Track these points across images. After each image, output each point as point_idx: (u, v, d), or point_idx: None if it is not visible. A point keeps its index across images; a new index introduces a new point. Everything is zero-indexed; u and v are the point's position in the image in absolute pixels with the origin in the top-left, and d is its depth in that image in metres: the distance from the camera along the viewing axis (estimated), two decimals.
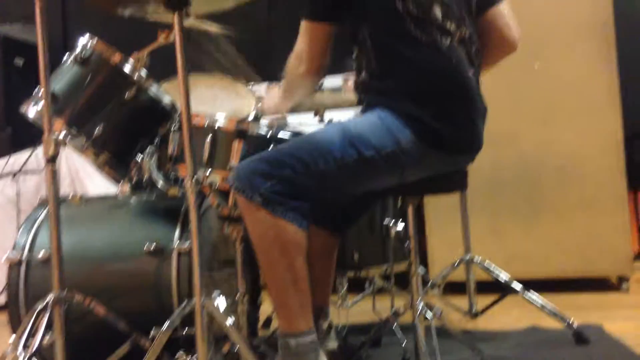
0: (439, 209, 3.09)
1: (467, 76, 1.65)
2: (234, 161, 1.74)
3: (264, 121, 1.92)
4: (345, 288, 2.40)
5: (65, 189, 3.46)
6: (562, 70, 3.02)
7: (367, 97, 1.72)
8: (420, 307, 1.77)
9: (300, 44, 1.71)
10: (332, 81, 3.27)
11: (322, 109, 2.46)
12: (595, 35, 2.99)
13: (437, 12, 1.63)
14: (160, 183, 2.12)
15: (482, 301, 2.54)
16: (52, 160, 1.57)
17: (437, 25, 1.62)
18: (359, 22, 1.66)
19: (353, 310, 2.51)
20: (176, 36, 1.46)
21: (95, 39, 1.83)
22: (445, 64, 1.62)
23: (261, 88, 3.42)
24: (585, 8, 3.00)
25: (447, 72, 1.62)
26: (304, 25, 1.69)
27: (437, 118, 1.58)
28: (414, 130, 1.57)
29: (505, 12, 1.81)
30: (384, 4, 1.61)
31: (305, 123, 3.12)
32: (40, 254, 1.84)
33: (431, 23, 1.61)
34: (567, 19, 3.02)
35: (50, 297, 1.54)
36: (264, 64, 4.04)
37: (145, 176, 2.19)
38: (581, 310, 2.58)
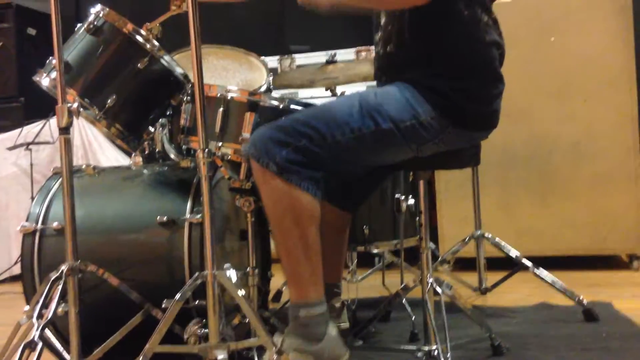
0: (450, 184, 3.08)
1: (495, 55, 1.63)
2: (246, 133, 1.73)
3: (276, 93, 1.90)
4: (354, 263, 2.41)
5: (78, 161, 3.48)
6: (578, 45, 2.98)
7: (389, 72, 1.69)
8: (429, 283, 1.77)
9: None
10: (344, 54, 3.25)
11: (334, 85, 2.44)
12: (613, 11, 2.93)
13: None
14: (172, 154, 2.13)
15: (492, 277, 2.55)
16: (65, 130, 1.56)
17: (480, 3, 1.59)
18: None
19: (362, 285, 2.52)
20: (189, 6, 1.44)
21: (107, 9, 1.81)
22: (482, 41, 1.60)
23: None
24: None
25: (482, 49, 1.61)
26: None
27: (463, 94, 1.57)
28: (436, 105, 1.56)
29: None
30: None
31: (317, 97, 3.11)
32: (54, 225, 1.85)
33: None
34: None
35: (63, 267, 1.55)
36: (276, 36, 4.02)
37: (158, 147, 2.20)
38: (591, 287, 2.58)
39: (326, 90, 2.50)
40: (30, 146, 3.40)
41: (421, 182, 1.77)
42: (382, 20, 1.69)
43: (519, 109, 2.95)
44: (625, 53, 2.92)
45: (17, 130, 3.51)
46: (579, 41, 2.97)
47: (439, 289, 1.78)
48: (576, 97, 2.98)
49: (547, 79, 3.01)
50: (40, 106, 2.92)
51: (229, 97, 1.75)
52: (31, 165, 3.41)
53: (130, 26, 1.80)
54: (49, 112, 3.02)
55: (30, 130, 3.47)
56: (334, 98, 2.48)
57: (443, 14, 1.56)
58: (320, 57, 3.29)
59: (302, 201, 1.52)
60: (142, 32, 1.84)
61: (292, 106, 1.75)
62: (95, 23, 1.79)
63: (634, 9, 2.92)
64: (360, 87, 3.01)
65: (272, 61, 3.38)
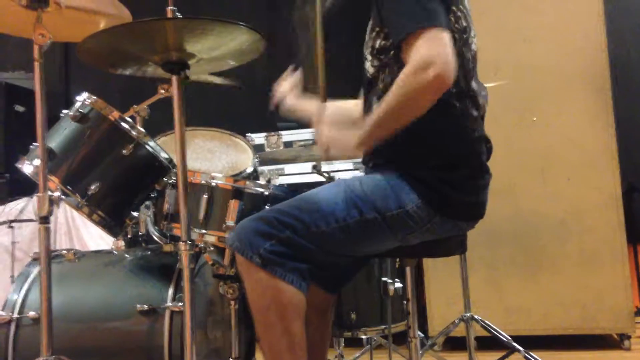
0: (438, 262, 3.06)
1: (483, 149, 1.64)
2: (230, 221, 1.72)
3: (261, 179, 1.90)
4: (341, 346, 2.35)
5: (61, 237, 3.43)
6: (559, 126, 3.03)
7: (377, 158, 1.68)
8: None
9: (422, 54, 1.40)
10: None
11: (319, 163, 2.45)
12: (592, 92, 3.01)
13: (474, 85, 1.62)
14: (156, 237, 2.10)
15: (483, 357, 2.50)
16: (45, 219, 1.55)
17: (472, 97, 1.61)
18: (396, 66, 1.53)
19: None
20: (174, 100, 1.45)
21: (93, 97, 1.82)
22: (471, 136, 1.61)
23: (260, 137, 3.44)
24: (582, 63, 3.04)
25: (471, 144, 1.61)
26: (433, 33, 1.41)
27: (450, 185, 1.56)
28: (422, 194, 1.55)
29: None
30: None
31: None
32: (31, 314, 1.80)
33: (468, 93, 1.60)
34: (564, 74, 3.05)
35: None
36: (264, 113, 4.07)
37: (141, 230, 2.18)
38: None
39: (312, 168, 2.51)
40: (13, 223, 3.35)
41: (408, 269, 1.75)
42: (373, 106, 1.70)
43: (504, 187, 2.97)
44: (605, 133, 2.98)
45: (1, 207, 3.47)
46: (559, 121, 3.03)
47: None
48: (560, 176, 3.02)
49: (530, 158, 3.05)
50: (25, 183, 2.90)
51: (213, 184, 1.74)
52: (13, 243, 3.36)
53: (116, 113, 1.81)
54: (34, 189, 2.99)
55: (13, 207, 3.43)
56: (319, 177, 2.49)
57: (434, 106, 1.50)
58: (306, 134, 3.33)
59: (286, 294, 1.49)
60: (128, 118, 1.85)
61: (277, 192, 1.75)
62: (81, 110, 1.80)
63: (613, 91, 3.00)
64: (346, 165, 3.05)
65: (259, 138, 3.41)
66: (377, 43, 1.62)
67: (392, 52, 1.58)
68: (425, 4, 1.44)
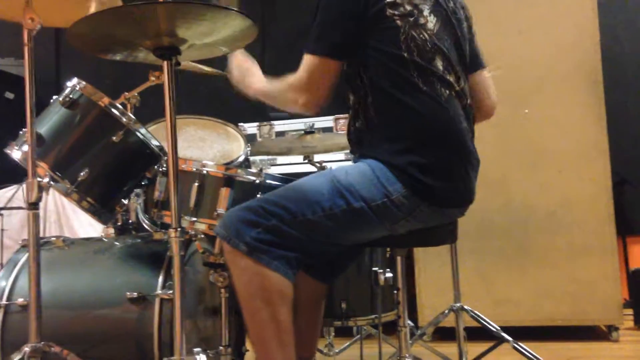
0: (428, 252, 3.07)
1: (462, 128, 1.64)
2: (221, 209, 1.71)
3: (253, 169, 1.90)
4: (332, 336, 2.36)
5: (51, 225, 3.41)
6: (551, 117, 3.04)
7: (360, 148, 1.69)
8: None
9: (304, 77, 1.62)
10: (323, 121, 3.29)
11: (311, 154, 2.45)
12: (584, 82, 3.02)
13: (439, 63, 1.62)
14: (146, 225, 2.09)
15: (472, 349, 2.50)
16: (34, 205, 1.53)
17: (438, 76, 1.61)
18: (362, 66, 1.63)
19: (340, 358, 2.46)
20: (165, 85, 1.44)
21: (83, 82, 1.80)
22: (444, 115, 1.61)
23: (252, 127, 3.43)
24: (575, 56, 3.04)
25: (445, 124, 1.61)
26: (313, 60, 1.61)
27: (432, 172, 1.56)
28: (406, 183, 1.55)
29: (487, 79, 1.85)
30: (389, 49, 1.59)
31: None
32: (20, 300, 1.78)
33: (433, 73, 1.61)
34: (557, 66, 3.06)
35: (26, 349, 1.49)
36: (256, 103, 4.06)
37: (132, 218, 2.17)
38: None
39: (304, 159, 2.51)
40: (2, 211, 3.33)
41: (398, 259, 1.75)
42: (351, 98, 1.71)
43: (495, 178, 2.98)
44: (597, 126, 2.99)
45: None
46: (552, 113, 3.04)
47: None
48: (551, 168, 3.02)
49: (522, 150, 3.05)
50: (14, 170, 2.87)
51: (204, 172, 1.74)
52: (2, 230, 3.33)
53: (106, 99, 1.80)
54: (23, 176, 2.96)
55: (2, 195, 3.41)
56: (311, 167, 2.49)
57: (402, 93, 1.58)
58: (299, 124, 3.32)
59: (272, 281, 1.50)
60: (118, 105, 1.83)
61: (269, 181, 1.74)
62: (71, 96, 1.78)
63: (605, 84, 3.01)
64: (338, 156, 3.04)
65: (252, 128, 3.40)
66: None
67: None
68: (326, 33, 1.62)
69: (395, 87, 1.59)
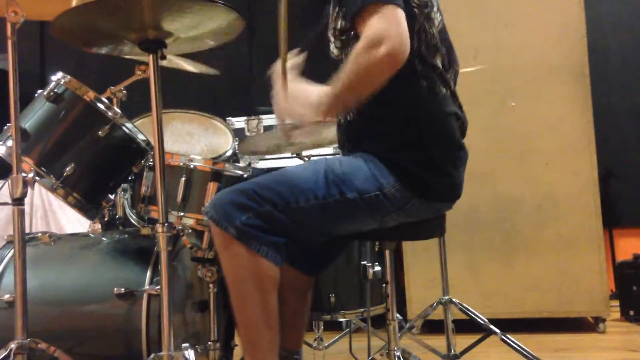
0: (417, 245, 3.07)
1: (457, 126, 1.64)
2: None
3: (241, 163, 1.89)
4: (321, 330, 2.36)
5: (38, 221, 3.38)
6: (538, 110, 3.05)
7: (351, 142, 1.68)
8: (397, 356, 1.73)
9: (374, 26, 1.41)
10: None
11: (300, 150, 2.44)
12: (572, 79, 3.03)
13: (439, 60, 1.61)
14: (133, 220, 2.08)
15: (460, 341, 2.51)
16: (19, 201, 1.52)
17: (438, 73, 1.60)
18: None
19: (329, 352, 2.46)
20: (151, 79, 1.43)
21: (68, 76, 1.78)
22: (441, 112, 1.60)
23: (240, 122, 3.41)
24: (561, 49, 3.05)
25: (441, 121, 1.60)
26: (387, 9, 1.41)
27: (425, 167, 1.56)
28: (398, 177, 1.55)
29: None
30: None
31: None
32: (6, 297, 1.77)
33: (433, 68, 1.59)
34: (543, 59, 3.06)
35: (12, 345, 1.48)
36: (244, 98, 4.04)
37: (119, 213, 2.15)
38: (558, 352, 2.57)
39: (293, 153, 2.50)
40: None
41: (387, 252, 1.75)
42: None
43: (482, 171, 2.99)
44: (583, 119, 3.01)
45: None
46: (539, 107, 3.05)
47: None
48: (538, 161, 3.04)
49: (509, 143, 3.06)
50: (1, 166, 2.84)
51: (191, 166, 1.73)
52: None
53: (91, 94, 1.78)
54: (8, 172, 2.94)
55: None
56: (301, 162, 2.48)
57: (400, 84, 1.54)
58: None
59: (262, 266, 1.49)
60: (104, 99, 1.81)
61: (257, 175, 1.73)
62: (55, 90, 1.76)
63: (591, 77, 3.02)
64: (326, 150, 3.03)
65: (240, 122, 3.39)
66: (338, 24, 1.62)
67: (352, 32, 1.56)
68: None
69: (394, 80, 1.50)
